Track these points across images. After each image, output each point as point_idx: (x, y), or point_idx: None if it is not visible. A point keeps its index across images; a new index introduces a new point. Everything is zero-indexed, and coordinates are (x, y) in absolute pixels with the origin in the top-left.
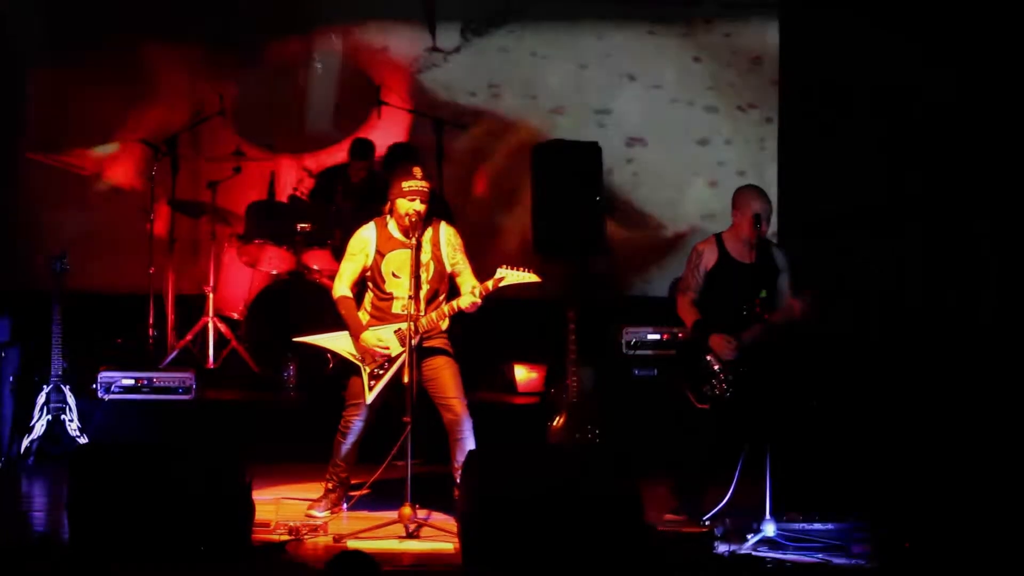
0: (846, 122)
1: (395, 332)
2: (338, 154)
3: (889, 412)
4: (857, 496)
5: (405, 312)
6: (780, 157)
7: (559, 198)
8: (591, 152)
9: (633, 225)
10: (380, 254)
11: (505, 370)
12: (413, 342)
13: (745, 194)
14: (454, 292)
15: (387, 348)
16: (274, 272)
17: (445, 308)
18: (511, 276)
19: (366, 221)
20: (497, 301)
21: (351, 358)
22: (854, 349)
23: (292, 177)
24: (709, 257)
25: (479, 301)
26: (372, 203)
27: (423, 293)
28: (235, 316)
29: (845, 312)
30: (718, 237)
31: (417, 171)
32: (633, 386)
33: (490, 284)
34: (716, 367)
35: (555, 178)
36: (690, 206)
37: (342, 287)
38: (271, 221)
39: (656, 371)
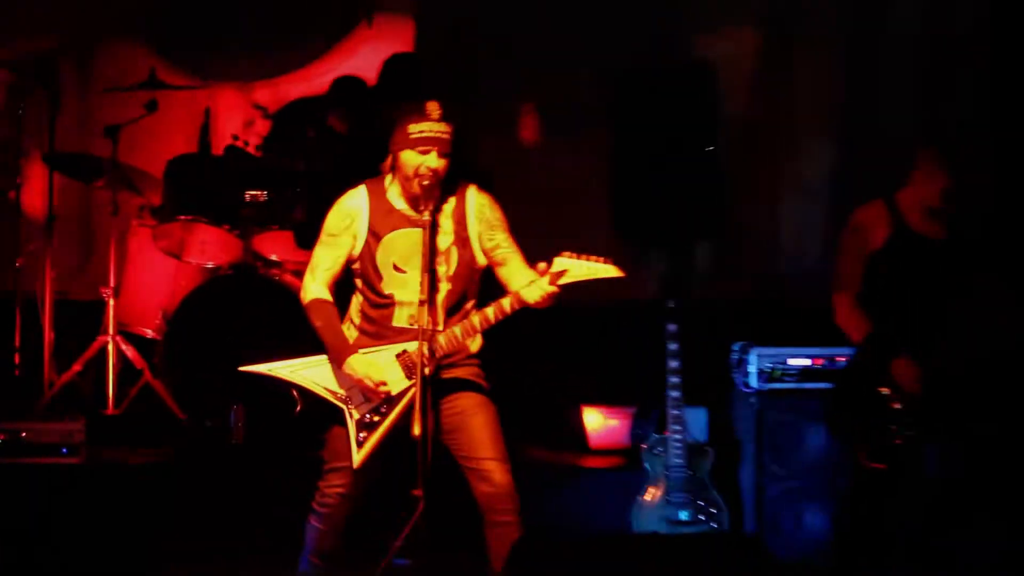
0: None
1: (398, 357)
2: (305, 83)
3: None
4: None
5: (414, 326)
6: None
7: (652, 151)
8: (702, 78)
9: (766, 192)
10: (375, 236)
11: (570, 416)
12: (427, 372)
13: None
14: (488, 295)
15: (385, 383)
16: (210, 265)
17: (475, 319)
18: (577, 269)
19: (353, 185)
20: (555, 309)
21: (330, 398)
22: None
23: (237, 118)
24: (876, 231)
25: (556, 289)
26: (363, 159)
27: (441, 296)
28: (149, 334)
29: None
30: (888, 200)
31: (432, 107)
32: (768, 438)
33: (546, 280)
34: (897, 406)
35: (646, 120)
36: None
37: (316, 287)
38: (205, 187)
39: (804, 415)
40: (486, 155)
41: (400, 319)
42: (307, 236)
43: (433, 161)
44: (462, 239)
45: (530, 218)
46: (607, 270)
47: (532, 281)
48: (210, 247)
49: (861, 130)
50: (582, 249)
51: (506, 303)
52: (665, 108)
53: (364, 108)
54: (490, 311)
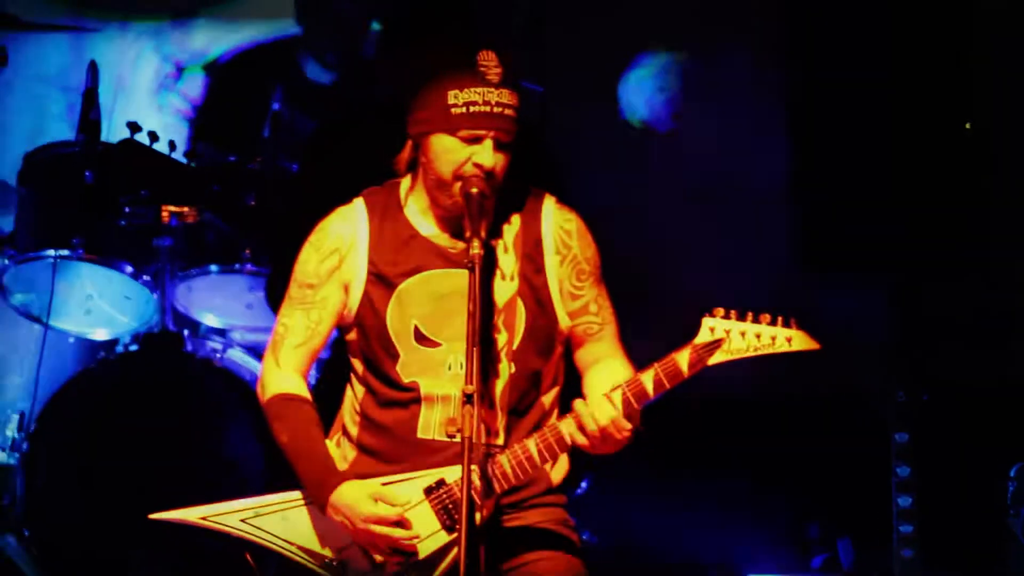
0: None
1: (429, 493)
2: (246, 29)
3: None
4: None
5: (456, 438)
6: None
7: (863, 128)
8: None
9: None
10: (384, 282)
11: None
12: (479, 517)
13: None
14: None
15: (409, 529)
16: (101, 336)
17: (565, 427)
18: (739, 338)
19: (344, 198)
20: (702, 390)
21: (311, 564)
22: None
23: (145, 81)
24: None
25: (685, 373)
26: (360, 155)
27: (500, 386)
28: None
29: None
30: None
31: (488, 61)
32: None
33: (684, 361)
34: None
35: (853, 72)
36: None
37: (282, 376)
38: (90, 200)
39: None
40: (564, 144)
41: (430, 426)
42: (279, 286)
43: (488, 155)
44: (534, 288)
45: (638, 248)
46: (790, 339)
47: (659, 363)
48: (101, 305)
49: None
50: (743, 305)
51: (617, 398)
52: (883, 50)
53: (364, 55)
54: (595, 414)
